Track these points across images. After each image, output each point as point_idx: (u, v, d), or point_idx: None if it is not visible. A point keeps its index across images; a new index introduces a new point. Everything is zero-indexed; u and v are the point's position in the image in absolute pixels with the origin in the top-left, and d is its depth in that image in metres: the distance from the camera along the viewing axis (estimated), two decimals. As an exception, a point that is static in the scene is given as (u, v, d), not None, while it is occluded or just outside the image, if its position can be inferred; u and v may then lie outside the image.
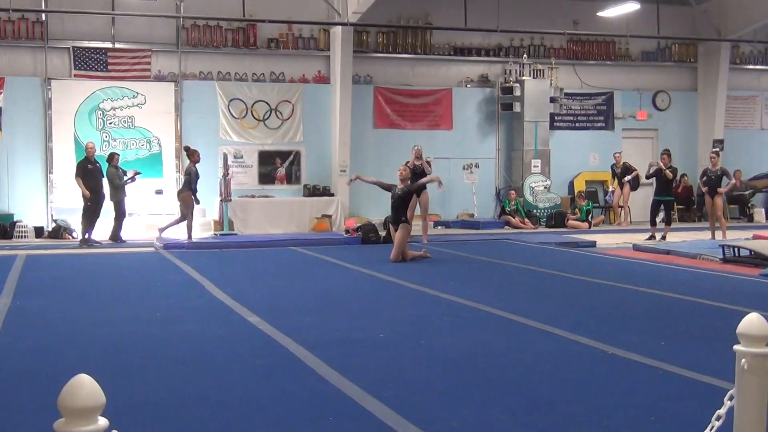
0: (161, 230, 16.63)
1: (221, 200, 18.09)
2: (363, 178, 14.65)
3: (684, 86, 23.89)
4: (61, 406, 2.26)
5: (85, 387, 2.27)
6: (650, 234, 17.25)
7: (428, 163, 16.81)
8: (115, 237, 16.89)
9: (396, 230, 13.24)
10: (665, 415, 4.88)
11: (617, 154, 21.44)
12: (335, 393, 5.38)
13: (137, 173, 17.37)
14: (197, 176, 16.78)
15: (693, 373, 5.80)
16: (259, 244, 16.16)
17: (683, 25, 23.12)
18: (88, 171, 16.58)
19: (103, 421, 2.31)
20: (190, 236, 16.55)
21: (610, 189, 21.82)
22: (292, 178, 20.30)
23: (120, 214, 16.98)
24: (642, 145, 23.39)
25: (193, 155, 16.84)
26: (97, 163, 16.89)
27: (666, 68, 23.75)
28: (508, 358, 6.37)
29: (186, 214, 16.54)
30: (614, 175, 21.39)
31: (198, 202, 16.88)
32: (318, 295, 9.73)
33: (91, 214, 16.47)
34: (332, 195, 19.87)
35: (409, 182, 13.65)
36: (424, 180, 14.78)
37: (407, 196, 13.51)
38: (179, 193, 16.92)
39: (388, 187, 13.67)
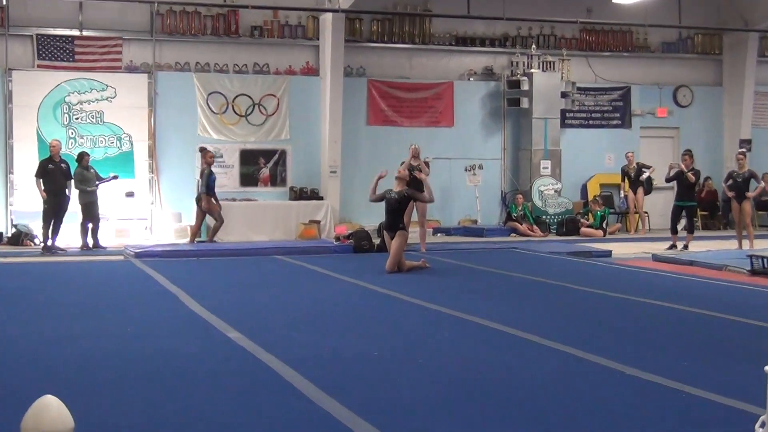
0: (210, 241, 17.50)
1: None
2: (382, 176, 13.98)
3: (708, 80, 23.95)
4: (26, 429, 2.25)
5: (51, 409, 2.27)
6: (671, 243, 17.27)
7: (426, 163, 16.75)
8: (95, 244, 16.99)
9: (391, 238, 13.21)
10: (688, 442, 4.88)
11: (629, 154, 21.41)
12: (324, 416, 5.38)
13: (114, 177, 17.51)
14: (212, 177, 17.36)
15: (719, 397, 5.80)
16: (240, 253, 16.14)
17: (707, 14, 23.17)
18: (48, 171, 16.57)
19: (71, 447, 2.30)
20: (192, 239, 17.30)
21: (622, 194, 21.72)
22: (277, 179, 20.29)
23: (93, 219, 16.99)
24: (662, 145, 23.43)
25: (205, 155, 17.46)
26: (63, 162, 16.86)
27: (688, 61, 23.81)
28: (515, 379, 6.37)
29: (218, 217, 17.39)
30: (626, 177, 21.28)
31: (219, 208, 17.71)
32: (305, 309, 9.72)
33: (50, 218, 16.47)
34: (321, 198, 19.86)
35: (406, 186, 13.60)
36: (423, 177, 14.66)
37: (404, 200, 13.45)
38: (197, 200, 17.45)
39: (381, 198, 13.55)
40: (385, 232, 13.69)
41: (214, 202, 17.52)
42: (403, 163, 15.93)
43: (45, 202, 16.49)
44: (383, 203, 13.53)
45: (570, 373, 6.52)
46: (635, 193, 21.12)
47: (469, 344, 7.68)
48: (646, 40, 23.42)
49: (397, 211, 13.30)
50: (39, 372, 6.60)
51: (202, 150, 17.86)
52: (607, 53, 23.10)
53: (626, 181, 21.31)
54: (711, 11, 23.36)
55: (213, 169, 17.83)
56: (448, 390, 6.04)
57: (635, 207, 21.27)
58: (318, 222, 19.41)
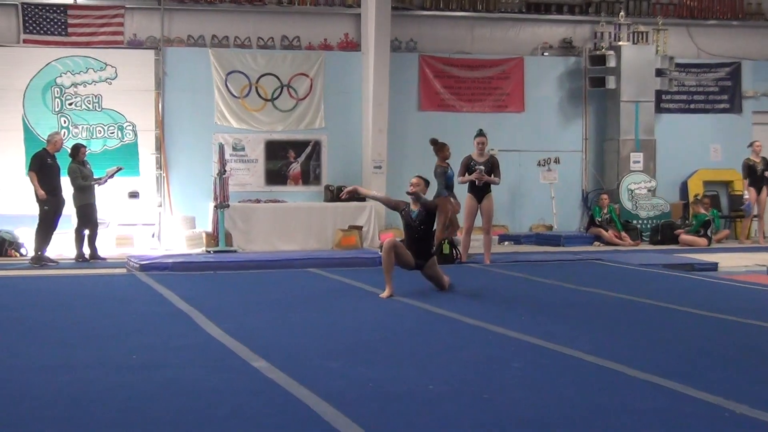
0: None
1: (215, 206, 18.17)
2: (361, 190, 13.95)
3: (838, 54, 23.71)
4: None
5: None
6: (791, 253, 17.12)
7: (491, 161, 16.59)
8: (93, 254, 17.10)
9: (422, 267, 12.67)
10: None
11: (757, 144, 21.04)
12: (370, 464, 5.38)
13: (119, 169, 17.57)
14: (448, 176, 16.90)
15: None
16: (266, 265, 16.21)
17: (837, -28, 22.94)
18: (47, 167, 16.70)
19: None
20: (461, 250, 16.74)
21: (746, 194, 21.27)
22: (309, 176, 20.38)
23: (90, 224, 17.11)
24: (779, 134, 23.21)
25: (442, 150, 17.02)
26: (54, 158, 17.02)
27: (813, 30, 23.58)
28: (602, 421, 6.32)
29: (445, 222, 16.95)
30: (752, 173, 20.81)
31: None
32: (345, 334, 9.73)
33: (50, 223, 16.60)
34: (363, 200, 19.87)
35: (422, 198, 12.63)
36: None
37: (428, 220, 12.65)
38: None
39: (395, 206, 13.00)
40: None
41: (451, 204, 17.04)
42: (470, 159, 15.91)
43: (45, 203, 16.60)
44: (404, 227, 12.95)
45: (669, 413, 6.45)
46: (759, 192, 20.75)
47: (545, 377, 7.63)
48: (761, 6, 23.21)
49: (425, 238, 12.68)
50: (24, 409, 6.64)
51: (435, 143, 17.32)
52: (712, 22, 22.92)
53: (749, 177, 20.87)
54: (841, -31, 23.13)
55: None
56: (520, 433, 6.03)
57: (756, 208, 20.89)
58: (359, 228, 19.45)
